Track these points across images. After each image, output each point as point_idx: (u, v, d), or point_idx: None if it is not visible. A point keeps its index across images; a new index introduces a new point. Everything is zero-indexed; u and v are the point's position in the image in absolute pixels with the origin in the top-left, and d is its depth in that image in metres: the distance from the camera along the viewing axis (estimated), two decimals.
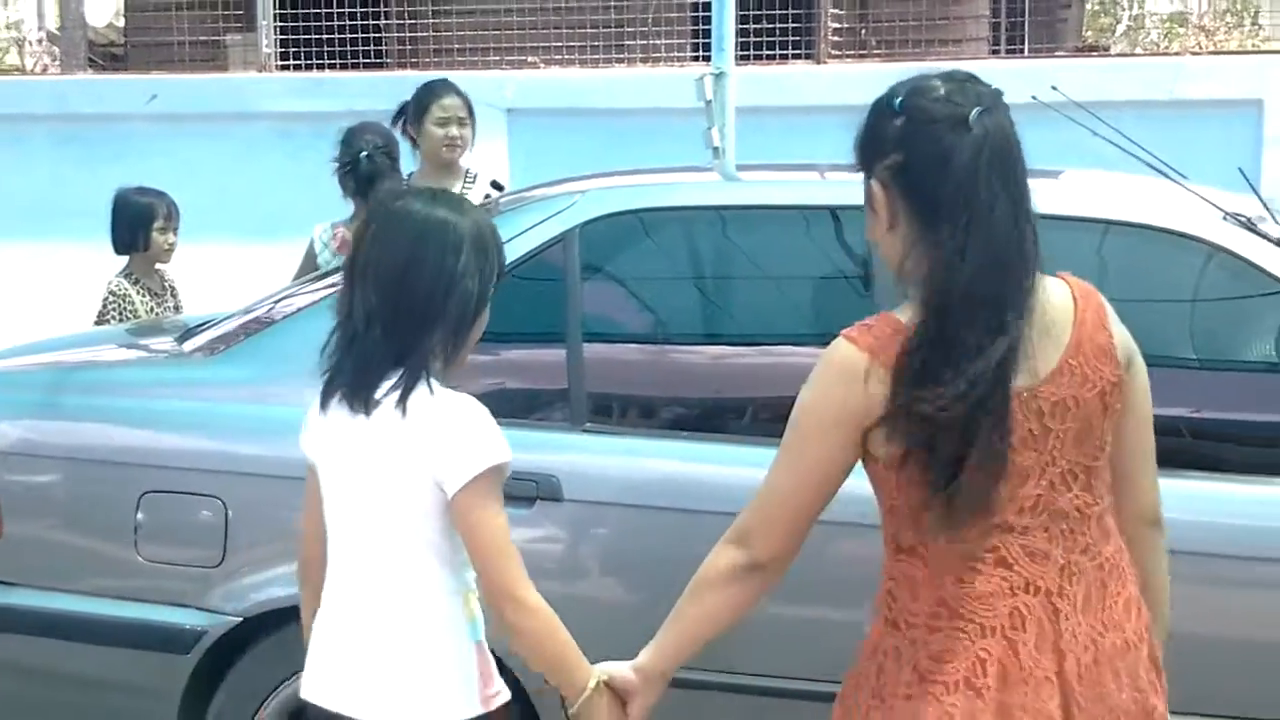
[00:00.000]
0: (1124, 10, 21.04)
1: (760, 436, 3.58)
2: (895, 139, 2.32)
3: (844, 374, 2.31)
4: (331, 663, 2.70)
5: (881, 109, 2.37)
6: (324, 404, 2.69)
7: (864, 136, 2.39)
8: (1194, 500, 3.29)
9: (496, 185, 5.65)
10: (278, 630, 3.64)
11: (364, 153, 5.23)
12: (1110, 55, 11.40)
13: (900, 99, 2.34)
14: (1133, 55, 10.89)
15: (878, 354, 2.30)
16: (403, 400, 2.56)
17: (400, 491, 2.60)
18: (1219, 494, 3.37)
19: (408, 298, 2.58)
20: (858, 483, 2.41)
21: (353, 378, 2.62)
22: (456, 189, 5.66)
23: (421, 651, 2.63)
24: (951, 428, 2.24)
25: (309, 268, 5.37)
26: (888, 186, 2.35)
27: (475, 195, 5.59)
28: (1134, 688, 2.39)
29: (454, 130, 5.60)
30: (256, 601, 3.65)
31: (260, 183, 8.32)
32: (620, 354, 3.82)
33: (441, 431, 2.55)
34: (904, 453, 2.29)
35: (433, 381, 2.59)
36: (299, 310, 3.97)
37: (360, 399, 2.61)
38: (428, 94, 5.66)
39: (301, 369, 3.67)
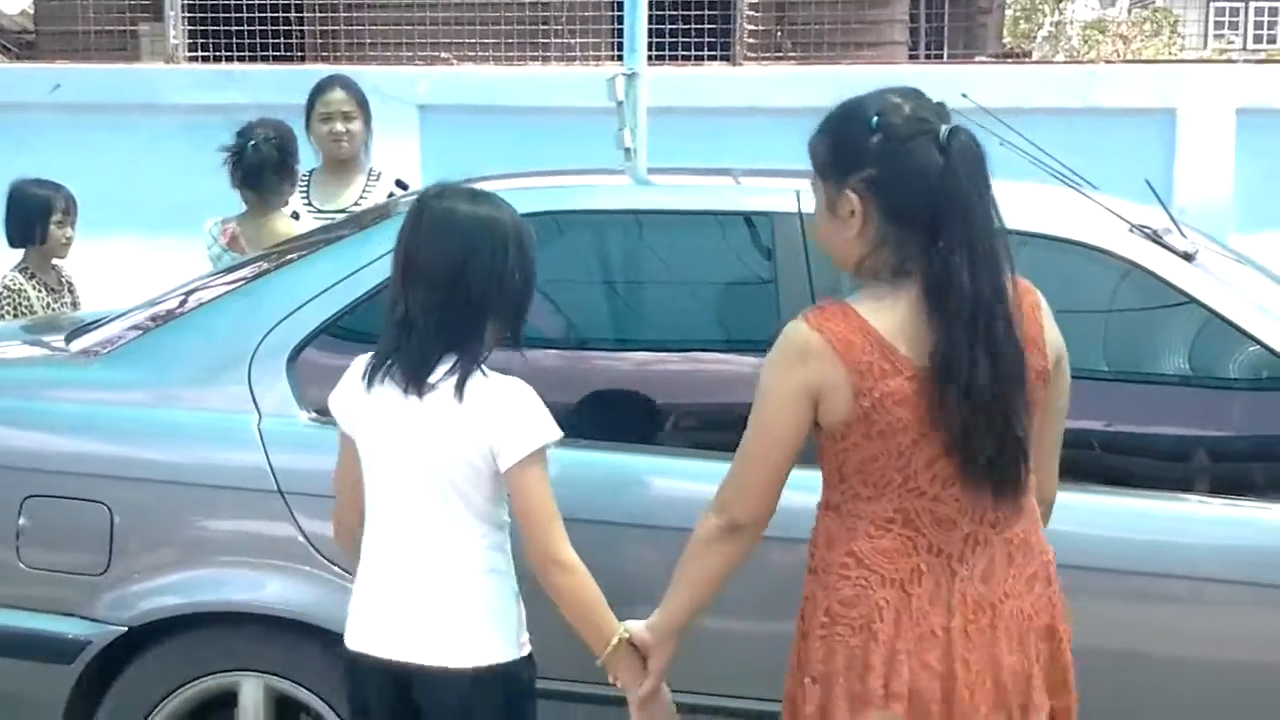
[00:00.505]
0: (1045, 16, 21.27)
1: (674, 445, 3.60)
2: (874, 153, 2.57)
3: (799, 351, 2.59)
4: (383, 615, 2.98)
5: (855, 123, 2.60)
6: (370, 383, 2.94)
7: (835, 148, 2.63)
8: (1100, 515, 3.29)
9: (401, 184, 5.58)
10: (166, 640, 3.58)
11: (251, 142, 5.16)
12: (1027, 62, 11.48)
13: (876, 116, 2.57)
14: (1049, 62, 10.98)
15: (825, 333, 2.57)
16: (460, 385, 2.86)
17: (456, 465, 2.88)
18: (1124, 509, 3.35)
19: (463, 292, 2.86)
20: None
21: (410, 365, 2.89)
22: (358, 187, 5.60)
23: (475, 600, 2.93)
24: (981, 413, 2.54)
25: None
26: (864, 196, 2.58)
27: (379, 195, 5.52)
28: (1022, 654, 2.63)
29: (338, 125, 5.55)
30: (143, 610, 3.55)
31: (167, 176, 8.14)
32: (523, 363, 3.67)
33: (499, 412, 2.86)
34: (845, 427, 2.58)
35: (484, 367, 2.89)
36: (189, 310, 3.88)
37: (416, 384, 2.88)
38: (314, 91, 5.64)
39: (192, 370, 3.69)
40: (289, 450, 3.54)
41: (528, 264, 2.94)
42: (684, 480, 3.41)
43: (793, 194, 3.52)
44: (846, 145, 2.62)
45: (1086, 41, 18.32)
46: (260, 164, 5.17)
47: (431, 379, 2.88)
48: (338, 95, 5.59)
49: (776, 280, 3.51)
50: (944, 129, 2.57)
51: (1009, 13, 18.57)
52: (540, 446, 2.88)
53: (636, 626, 2.86)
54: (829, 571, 2.66)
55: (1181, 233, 3.52)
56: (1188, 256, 3.42)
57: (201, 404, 3.63)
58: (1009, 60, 11.24)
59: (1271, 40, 23.23)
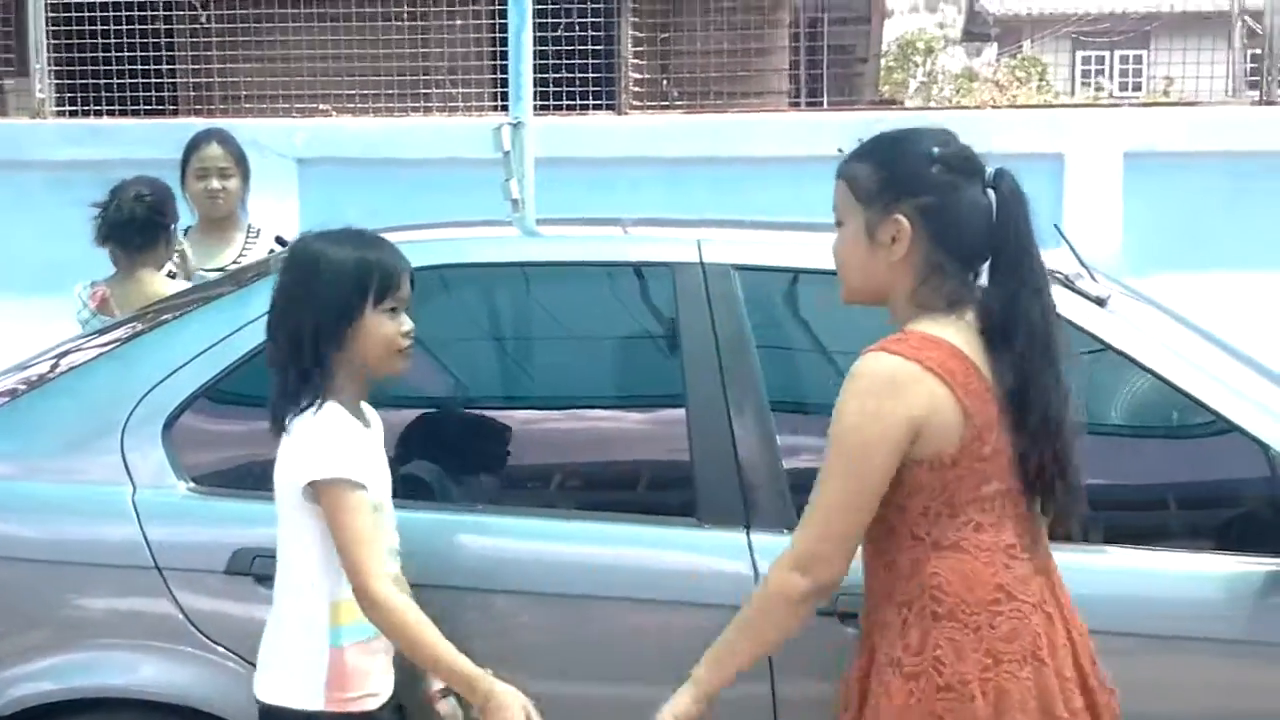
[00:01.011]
0: (917, 66, 21.60)
1: (561, 507, 3.51)
2: (932, 182, 2.67)
3: (891, 383, 2.59)
4: None
5: (911, 151, 2.70)
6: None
7: (886, 174, 2.69)
8: None
9: (281, 241, 5.39)
10: None
11: (116, 200, 4.96)
12: (910, 109, 11.54)
13: (936, 148, 2.68)
14: (932, 108, 11.05)
15: (925, 360, 2.58)
16: (286, 421, 2.97)
17: (285, 503, 2.98)
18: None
19: (285, 327, 2.99)
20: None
21: (271, 405, 3.01)
22: (237, 245, 5.43)
23: (281, 643, 3.00)
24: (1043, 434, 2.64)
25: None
26: (914, 222, 2.65)
27: (258, 252, 5.36)
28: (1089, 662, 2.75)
29: (214, 183, 5.38)
30: (14, 698, 3.36)
31: (33, 235, 7.87)
32: (407, 422, 3.60)
33: (302, 446, 2.92)
34: (957, 453, 2.59)
35: (319, 401, 2.94)
36: (57, 376, 3.70)
37: (274, 424, 3.00)
38: (189, 146, 5.48)
39: (61, 440, 3.52)
40: (166, 523, 3.38)
41: (328, 298, 2.95)
42: (579, 545, 3.31)
43: (694, 244, 3.45)
44: (901, 172, 2.70)
45: (959, 90, 18.59)
46: (125, 222, 4.95)
47: (287, 418, 2.97)
48: (214, 151, 5.42)
49: (677, 333, 3.41)
50: (990, 170, 2.71)
51: (882, 62, 18.80)
52: (322, 479, 2.89)
53: (683, 703, 2.74)
54: (977, 612, 2.61)
55: (1093, 277, 3.45)
56: (1100, 302, 3.35)
57: (71, 475, 3.46)
58: (889, 108, 11.29)
59: (1137, 87, 23.71)
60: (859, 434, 2.60)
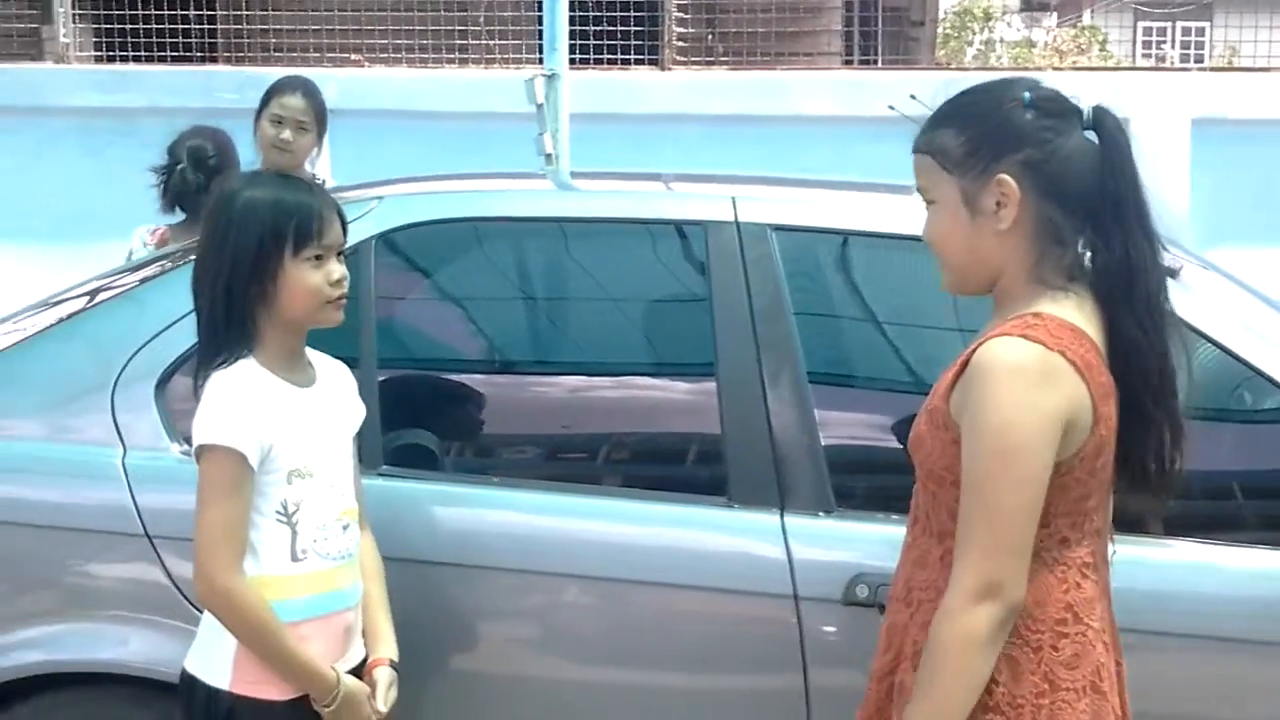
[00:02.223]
0: (974, 34, 21.32)
1: (578, 480, 3.35)
2: (1031, 131, 2.37)
3: (1044, 374, 2.30)
4: None
5: (1001, 103, 2.40)
6: None
7: (977, 133, 2.40)
8: None
9: None
10: (18, 705, 3.25)
11: (180, 165, 4.84)
12: (969, 69, 11.35)
13: (1027, 93, 2.39)
14: (993, 69, 10.84)
15: (1068, 353, 2.31)
16: (197, 380, 2.81)
17: None
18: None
19: (194, 285, 2.84)
20: None
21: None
22: None
23: (205, 616, 2.83)
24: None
25: None
26: (1021, 181, 2.36)
27: None
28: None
29: (286, 134, 5.18)
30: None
31: (57, 183, 7.87)
32: (423, 388, 3.47)
33: (200, 406, 2.76)
34: (1073, 462, 2.32)
35: (234, 359, 2.77)
36: (48, 328, 3.50)
37: (196, 385, 2.83)
38: (273, 88, 5.26)
39: (48, 396, 3.36)
40: (157, 488, 3.21)
41: (227, 245, 2.77)
42: (597, 522, 3.18)
43: (728, 201, 3.30)
44: (994, 128, 2.40)
45: (1017, 59, 18.33)
46: (192, 193, 4.83)
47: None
48: (295, 101, 5.20)
49: (710, 298, 3.24)
50: (1088, 108, 2.41)
51: (939, 30, 18.56)
52: (199, 443, 2.73)
53: None
54: (1041, 630, 2.37)
55: (1165, 248, 3.18)
56: (1172, 274, 3.08)
57: (59, 434, 3.31)
58: (945, 69, 11.08)
59: (1199, 60, 23.32)
60: (1019, 429, 2.29)
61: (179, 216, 4.96)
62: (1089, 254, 2.41)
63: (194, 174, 4.82)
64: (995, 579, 2.29)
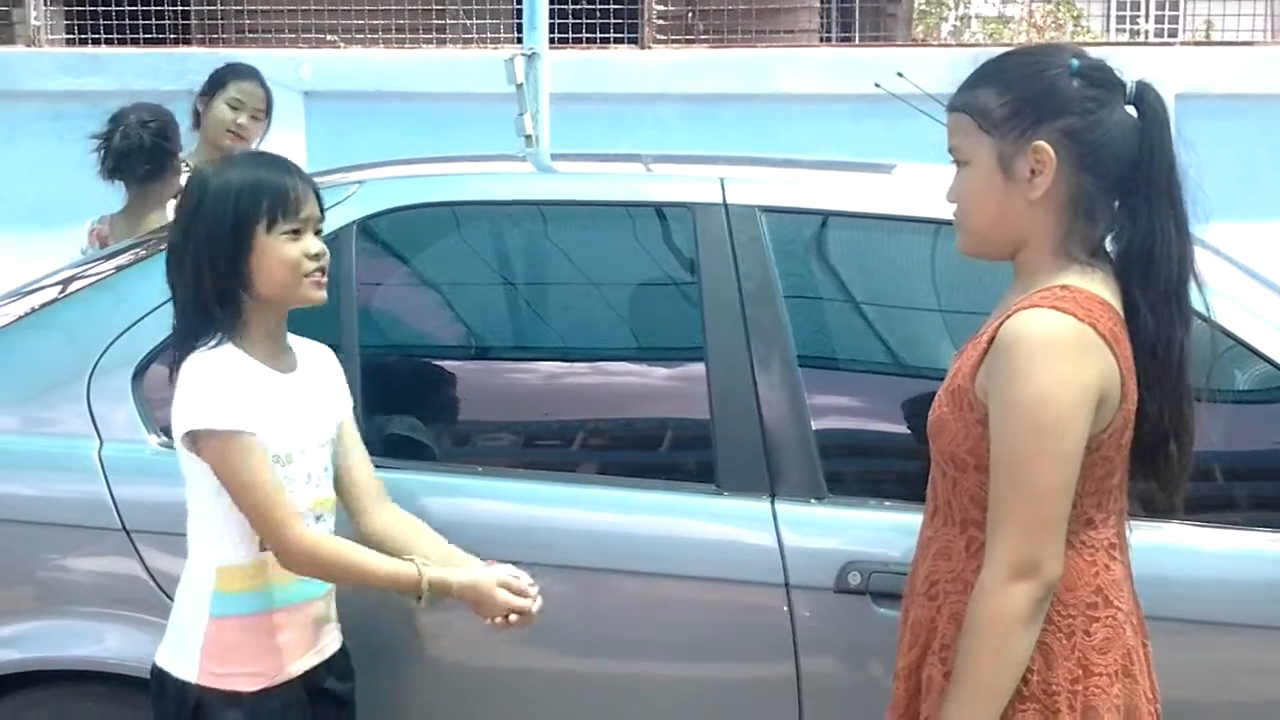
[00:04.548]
0: (950, 10, 21.27)
1: (565, 469, 3.33)
2: (1077, 99, 2.34)
3: (1078, 346, 2.26)
4: None
5: (1047, 68, 2.37)
6: None
7: (1021, 96, 2.36)
8: None
9: None
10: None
11: (121, 127, 4.75)
12: (950, 44, 11.36)
13: (1075, 60, 2.36)
14: (972, 45, 10.81)
15: (1099, 326, 2.28)
16: (174, 365, 2.77)
17: (180, 455, 2.79)
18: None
19: (169, 270, 2.82)
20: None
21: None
22: None
23: (176, 606, 2.86)
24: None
25: None
26: (1059, 149, 2.33)
27: None
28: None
29: (244, 119, 5.20)
30: None
31: (28, 168, 7.85)
32: (404, 376, 3.42)
33: (182, 389, 2.72)
34: (1102, 438, 2.29)
35: (214, 343, 2.73)
36: (22, 317, 3.43)
37: (171, 370, 2.80)
38: (230, 72, 5.27)
39: (21, 387, 3.30)
40: (135, 481, 3.18)
41: (197, 227, 2.75)
42: (583, 510, 3.15)
43: (716, 183, 3.25)
44: (1040, 92, 2.36)
45: (992, 35, 18.27)
46: (131, 151, 4.76)
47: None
48: (255, 90, 5.23)
49: (698, 281, 3.20)
50: (1130, 82, 2.38)
51: (916, 5, 18.53)
52: (202, 429, 2.69)
53: None
54: (1073, 615, 2.33)
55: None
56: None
57: (33, 426, 3.27)
58: (924, 45, 11.09)
59: (1173, 33, 23.32)
60: (1055, 404, 2.24)
61: (120, 191, 4.89)
62: (1112, 232, 2.38)
63: (135, 133, 4.75)
64: (1033, 556, 2.25)
